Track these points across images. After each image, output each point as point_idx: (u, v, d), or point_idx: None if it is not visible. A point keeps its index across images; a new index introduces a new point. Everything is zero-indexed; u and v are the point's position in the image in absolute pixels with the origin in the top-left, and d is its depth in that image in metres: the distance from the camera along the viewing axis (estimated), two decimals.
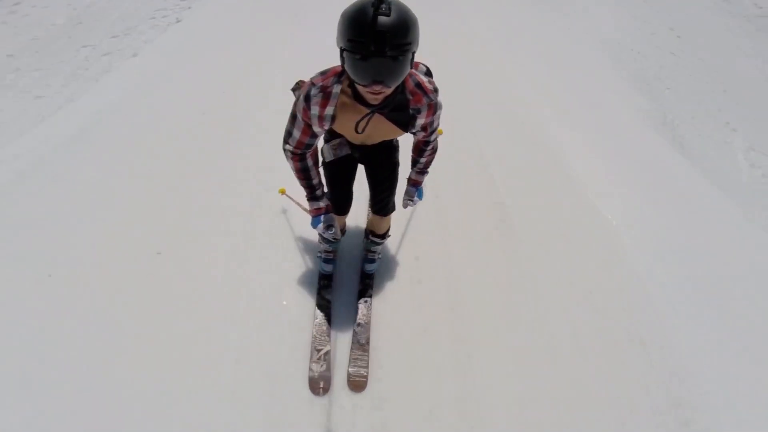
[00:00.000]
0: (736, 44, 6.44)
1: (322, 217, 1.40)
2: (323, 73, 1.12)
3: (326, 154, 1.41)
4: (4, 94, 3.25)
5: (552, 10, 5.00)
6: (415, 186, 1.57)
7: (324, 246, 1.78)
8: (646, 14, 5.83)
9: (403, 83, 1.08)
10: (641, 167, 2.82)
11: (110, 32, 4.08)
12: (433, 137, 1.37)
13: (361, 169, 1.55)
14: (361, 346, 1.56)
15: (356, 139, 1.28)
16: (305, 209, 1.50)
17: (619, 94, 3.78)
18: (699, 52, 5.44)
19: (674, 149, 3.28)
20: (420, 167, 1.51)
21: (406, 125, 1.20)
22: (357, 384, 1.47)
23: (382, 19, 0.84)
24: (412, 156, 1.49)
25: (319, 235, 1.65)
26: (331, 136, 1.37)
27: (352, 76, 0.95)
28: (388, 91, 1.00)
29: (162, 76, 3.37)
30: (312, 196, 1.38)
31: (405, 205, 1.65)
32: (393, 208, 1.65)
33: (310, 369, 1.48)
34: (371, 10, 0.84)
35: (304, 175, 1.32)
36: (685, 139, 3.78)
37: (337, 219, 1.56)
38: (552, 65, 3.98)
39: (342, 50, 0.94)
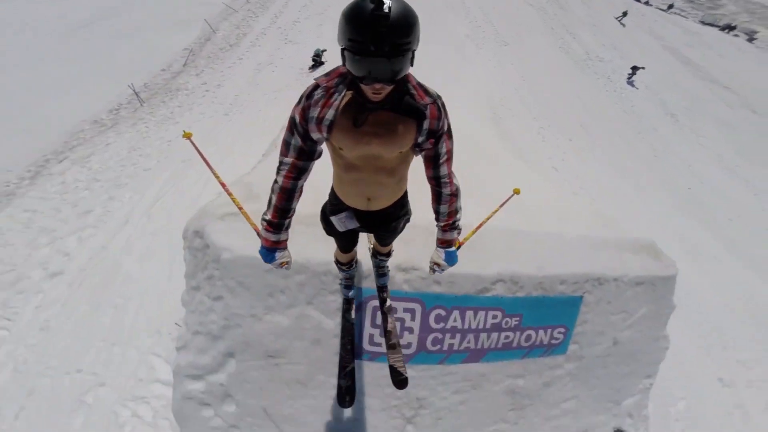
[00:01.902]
0: (562, 78, 12.66)
1: (277, 253, 1.25)
2: (327, 74, 1.11)
3: (337, 225, 1.43)
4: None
5: (455, 81, 10.53)
6: (443, 247, 1.35)
7: (343, 274, 1.99)
8: (511, 72, 12.04)
9: (406, 79, 1.07)
10: (475, 144, 7.63)
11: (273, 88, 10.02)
12: (443, 172, 1.24)
13: None
14: (394, 349, 1.87)
15: (360, 195, 1.32)
16: (215, 174, 1.32)
17: (476, 114, 9.34)
18: (533, 86, 11.60)
19: (498, 134, 8.78)
20: (444, 220, 1.31)
21: (418, 115, 1.12)
22: (402, 383, 1.85)
23: (381, 18, 0.86)
24: (433, 206, 1.32)
25: (337, 263, 1.83)
26: (339, 203, 1.39)
27: (353, 74, 0.97)
28: (389, 88, 1.02)
29: None
30: (276, 225, 1.22)
31: (432, 271, 1.40)
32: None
33: (339, 384, 1.84)
34: (370, 9, 0.86)
35: (287, 196, 1.20)
36: (506, 126, 9.62)
37: (346, 255, 1.81)
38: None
39: (342, 49, 0.96)
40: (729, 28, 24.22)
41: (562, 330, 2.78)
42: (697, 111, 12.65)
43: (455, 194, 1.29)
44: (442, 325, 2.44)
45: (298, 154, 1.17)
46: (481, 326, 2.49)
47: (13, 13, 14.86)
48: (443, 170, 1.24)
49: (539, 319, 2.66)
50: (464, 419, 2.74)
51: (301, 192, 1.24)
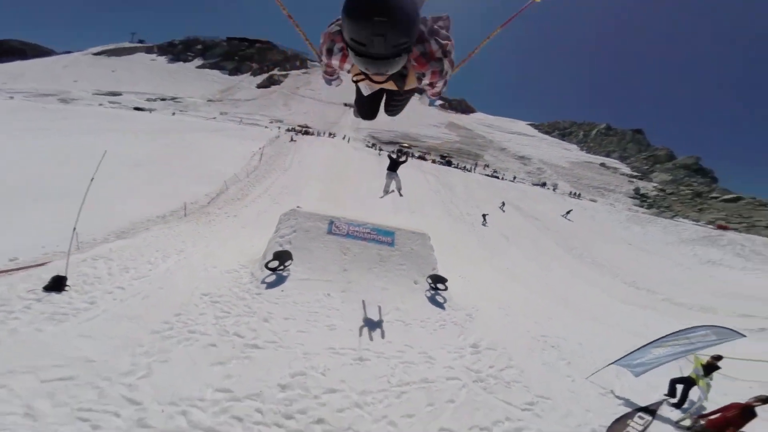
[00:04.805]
0: (444, 225, 22.21)
1: (333, 83, 2.16)
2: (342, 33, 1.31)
3: (363, 89, 1.98)
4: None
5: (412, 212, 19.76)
6: (429, 96, 2.00)
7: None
8: (417, 224, 21.49)
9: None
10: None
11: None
12: (438, 87, 1.76)
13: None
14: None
15: (375, 87, 1.81)
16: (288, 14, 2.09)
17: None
18: (427, 229, 20.74)
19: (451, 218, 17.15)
20: (432, 93, 1.89)
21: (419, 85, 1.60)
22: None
23: (380, 23, 0.95)
24: (426, 87, 1.87)
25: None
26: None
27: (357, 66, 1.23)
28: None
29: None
30: (328, 80, 2.13)
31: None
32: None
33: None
34: (371, 12, 0.95)
35: (330, 79, 2.09)
36: (454, 212, 17.94)
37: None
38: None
39: (346, 42, 1.17)
40: (543, 184, 46.95)
41: (390, 239, 9.88)
42: (519, 233, 23.39)
43: (440, 92, 1.85)
44: (357, 228, 9.57)
45: (326, 71, 1.93)
46: (365, 231, 9.60)
47: (62, 145, 22.45)
48: (437, 88, 1.75)
49: (382, 234, 9.85)
50: (364, 260, 9.34)
51: (338, 76, 2.05)
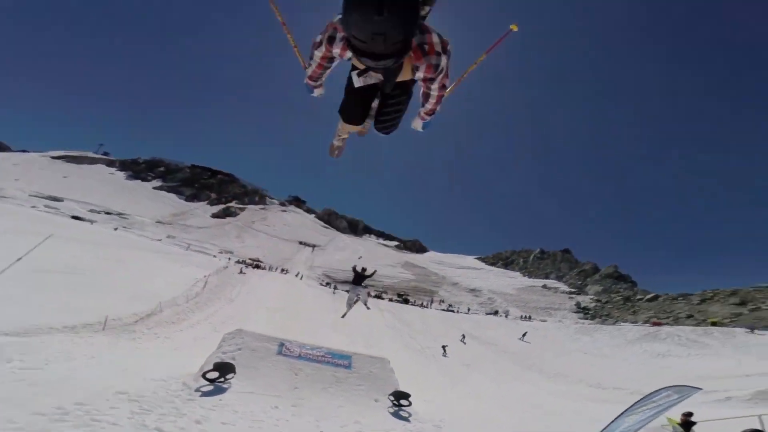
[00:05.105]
0: (404, 358, 20.80)
1: (315, 91, 2.07)
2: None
3: (355, 81, 1.80)
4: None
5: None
6: (422, 119, 2.05)
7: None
8: (396, 323, 20.20)
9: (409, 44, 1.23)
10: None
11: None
12: (433, 92, 1.79)
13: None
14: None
15: (370, 80, 1.73)
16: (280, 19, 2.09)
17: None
18: (412, 326, 19.36)
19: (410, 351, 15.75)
20: (425, 111, 1.95)
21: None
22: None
23: (380, 22, 0.97)
24: (421, 100, 1.91)
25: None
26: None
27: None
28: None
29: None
30: (311, 86, 2.04)
31: (413, 124, 2.13)
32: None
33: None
34: (371, 10, 0.97)
35: (314, 86, 2.00)
36: (413, 345, 16.42)
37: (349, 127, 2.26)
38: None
39: (346, 38, 1.23)
40: (496, 312, 50.33)
41: (346, 362, 9.22)
42: (479, 359, 24.02)
43: (438, 104, 1.89)
44: (310, 351, 8.85)
45: (311, 76, 1.91)
46: (319, 354, 8.82)
47: None
48: (433, 91, 1.78)
49: (338, 358, 9.29)
50: (318, 380, 8.25)
51: (321, 83, 2.02)
